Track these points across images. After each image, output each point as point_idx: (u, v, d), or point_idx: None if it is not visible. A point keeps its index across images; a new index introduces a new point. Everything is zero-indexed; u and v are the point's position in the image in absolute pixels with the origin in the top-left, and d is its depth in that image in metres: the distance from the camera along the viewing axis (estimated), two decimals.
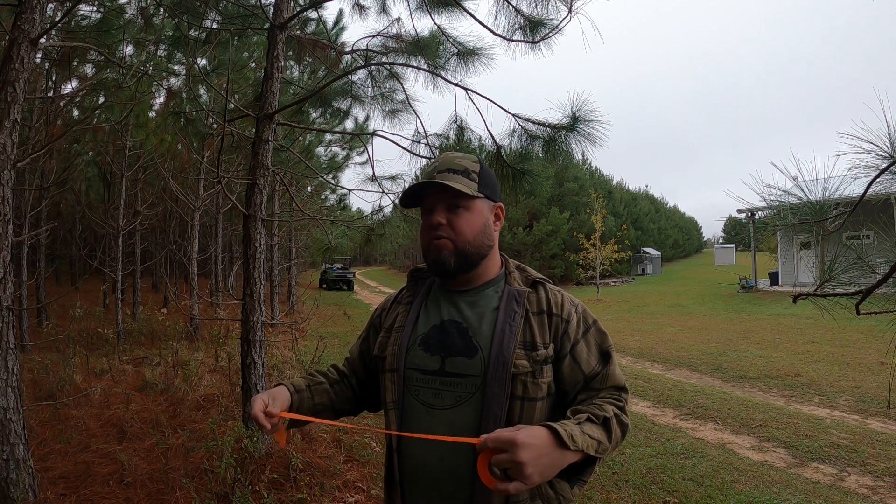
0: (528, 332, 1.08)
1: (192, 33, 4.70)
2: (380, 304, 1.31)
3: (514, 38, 3.52)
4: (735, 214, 52.30)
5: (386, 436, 1.13)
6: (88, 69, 5.91)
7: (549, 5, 3.34)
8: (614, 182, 36.12)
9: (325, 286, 25.48)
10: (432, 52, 4.12)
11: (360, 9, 4.61)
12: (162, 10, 4.87)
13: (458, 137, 4.07)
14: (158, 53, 5.54)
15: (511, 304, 1.11)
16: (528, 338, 1.08)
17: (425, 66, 4.07)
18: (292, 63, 5.66)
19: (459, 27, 4.81)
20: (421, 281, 1.25)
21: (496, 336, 1.06)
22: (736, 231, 71.86)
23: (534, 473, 0.84)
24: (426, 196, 1.14)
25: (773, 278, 17.42)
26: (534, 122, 3.43)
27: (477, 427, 1.03)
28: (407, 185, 4.96)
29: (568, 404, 1.11)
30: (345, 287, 25.29)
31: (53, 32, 4.36)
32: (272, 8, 3.86)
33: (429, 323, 1.14)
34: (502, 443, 0.85)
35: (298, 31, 4.84)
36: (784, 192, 1.70)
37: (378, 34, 4.35)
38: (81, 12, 4.92)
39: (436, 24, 4.07)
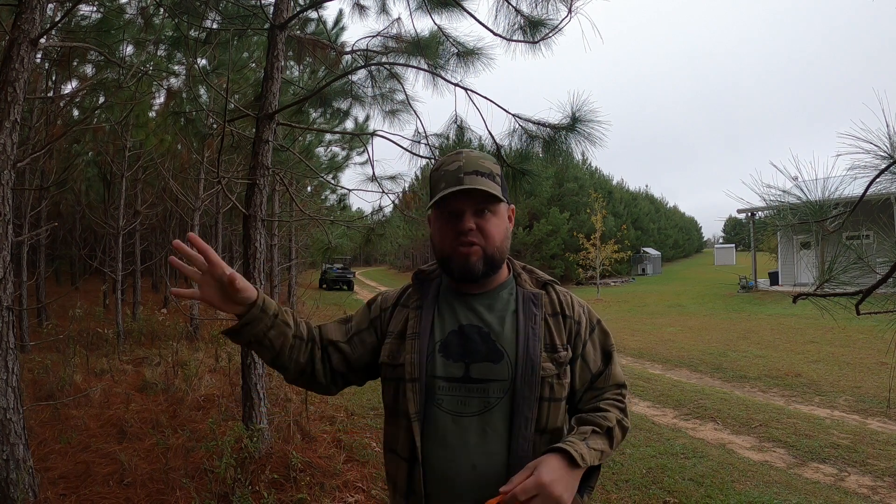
0: (547, 334, 1.10)
1: (192, 33, 4.70)
2: (376, 304, 1.23)
3: (514, 38, 3.52)
4: (735, 214, 52.29)
5: (404, 447, 1.08)
6: (88, 69, 5.91)
7: (549, 5, 3.34)
8: (614, 182, 36.16)
9: (325, 286, 25.47)
10: (432, 52, 4.12)
11: (360, 9, 4.61)
12: (162, 10, 4.87)
13: (458, 137, 4.07)
14: (158, 53, 5.54)
15: (529, 307, 1.11)
16: (548, 340, 1.09)
17: (425, 66, 4.08)
18: (292, 63, 5.66)
19: (459, 27, 4.81)
20: (427, 283, 1.20)
21: (521, 340, 1.06)
22: (736, 231, 71.85)
23: (568, 500, 0.93)
24: (451, 198, 1.08)
25: (773, 278, 17.42)
26: (534, 122, 3.44)
27: (508, 431, 1.03)
28: (407, 186, 5.00)
29: (575, 404, 1.15)
30: (345, 287, 25.28)
31: (53, 32, 4.36)
32: (272, 8, 3.86)
33: (445, 328, 1.10)
34: (530, 490, 0.91)
35: (298, 31, 4.84)
36: (784, 192, 1.70)
37: (378, 34, 4.35)
38: (81, 12, 4.92)
39: (436, 24, 4.08)
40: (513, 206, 1.20)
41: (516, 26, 3.52)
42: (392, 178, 4.81)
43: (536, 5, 3.40)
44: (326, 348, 1.19)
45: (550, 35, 3.40)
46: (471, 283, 1.13)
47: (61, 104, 7.07)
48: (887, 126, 1.33)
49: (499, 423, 1.03)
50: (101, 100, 6.65)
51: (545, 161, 3.51)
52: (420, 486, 1.04)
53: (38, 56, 5.05)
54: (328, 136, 10.04)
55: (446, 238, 1.10)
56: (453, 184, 1.06)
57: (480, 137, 3.82)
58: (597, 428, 1.05)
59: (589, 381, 1.14)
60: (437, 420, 1.05)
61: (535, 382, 1.04)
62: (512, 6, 3.48)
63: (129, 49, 5.45)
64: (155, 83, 5.81)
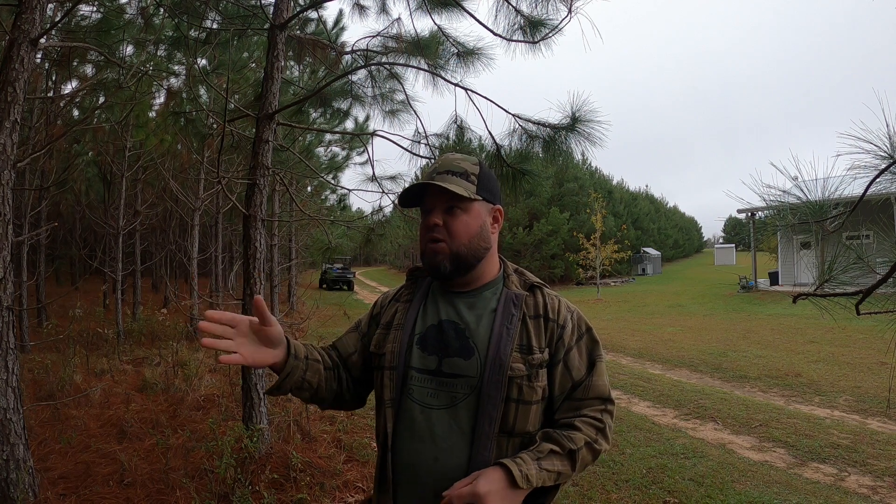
0: (524, 335, 1.09)
1: (192, 33, 4.70)
2: (378, 303, 1.29)
3: (514, 38, 3.52)
4: (735, 214, 52.24)
5: (380, 433, 1.13)
6: (88, 69, 5.92)
7: (549, 5, 3.34)
8: (614, 182, 36.11)
9: (325, 286, 25.46)
10: (432, 52, 4.12)
11: (360, 9, 4.61)
12: (162, 10, 4.87)
13: (458, 137, 4.07)
14: (158, 53, 5.54)
15: (509, 307, 1.11)
16: (524, 341, 1.09)
17: (425, 66, 4.07)
18: (292, 63, 5.66)
19: (459, 27, 4.82)
20: (420, 280, 1.25)
21: (493, 338, 1.07)
22: (736, 231, 71.83)
23: None
24: (426, 196, 1.15)
25: (773, 278, 17.41)
26: (534, 123, 3.43)
27: (472, 428, 1.04)
28: (407, 186, 5.01)
29: (553, 413, 1.12)
30: (345, 287, 25.27)
31: (53, 32, 4.36)
32: (272, 8, 3.86)
33: (426, 322, 1.14)
34: (465, 498, 0.93)
35: (298, 31, 4.84)
36: (784, 192, 1.70)
37: (378, 34, 4.34)
38: (81, 12, 4.92)
39: (436, 24, 4.07)
40: (499, 206, 1.20)
41: (516, 26, 3.52)
42: (392, 178, 4.80)
43: (536, 5, 3.40)
44: (346, 365, 1.24)
45: (550, 35, 3.40)
46: (449, 281, 1.15)
47: (61, 104, 7.08)
48: (887, 126, 1.33)
49: (464, 419, 1.05)
50: (101, 100, 6.66)
51: (545, 161, 3.50)
52: (389, 473, 1.08)
53: (38, 56, 5.05)
54: (328, 136, 10.05)
55: (420, 234, 1.16)
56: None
57: (480, 137, 3.82)
58: (557, 448, 1.03)
59: (569, 390, 1.10)
60: (407, 409, 1.09)
61: (502, 382, 1.04)
62: (512, 6, 3.48)
63: (129, 49, 5.45)
64: (155, 83, 5.82)
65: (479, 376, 1.05)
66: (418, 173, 4.52)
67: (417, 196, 1.16)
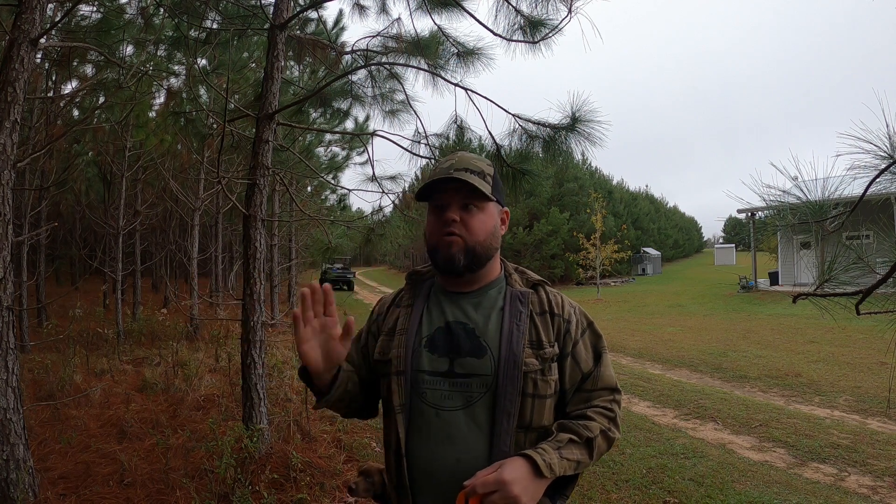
0: (533, 331, 1.11)
1: (192, 33, 4.70)
2: (375, 309, 1.28)
3: (514, 38, 3.52)
4: (735, 214, 52.20)
5: (391, 440, 1.11)
6: (88, 69, 5.92)
7: (549, 5, 3.34)
8: (614, 182, 36.11)
9: None
10: (432, 53, 4.12)
11: (360, 9, 4.61)
12: (162, 10, 4.87)
13: (458, 137, 4.07)
14: (158, 53, 5.54)
15: (516, 305, 1.12)
16: (534, 337, 1.10)
17: (425, 66, 4.07)
18: (292, 63, 5.66)
19: (459, 27, 4.81)
20: (420, 283, 1.23)
21: (504, 335, 1.08)
22: (736, 231, 71.80)
23: (528, 502, 0.94)
24: (439, 192, 1.12)
25: (773, 278, 17.40)
26: (534, 123, 3.43)
27: (490, 426, 1.04)
28: (407, 186, 5.01)
29: (564, 405, 1.14)
30: (345, 287, 25.27)
31: (53, 32, 4.36)
32: (272, 8, 3.86)
33: (433, 325, 1.13)
34: (491, 485, 0.92)
35: (298, 31, 4.84)
36: (784, 192, 1.70)
37: (378, 34, 4.34)
38: (81, 12, 4.93)
39: (436, 24, 4.07)
40: (506, 209, 1.22)
41: (516, 26, 3.52)
42: (392, 178, 4.80)
43: (536, 5, 3.40)
44: (361, 380, 1.24)
45: (550, 35, 3.40)
46: (457, 278, 1.15)
47: (61, 104, 7.08)
48: (887, 126, 1.33)
49: (482, 417, 1.05)
50: (101, 100, 6.67)
51: (545, 161, 3.50)
52: (405, 479, 1.07)
53: (38, 56, 5.05)
54: (328, 136, 10.04)
55: (433, 229, 1.14)
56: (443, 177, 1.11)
57: (480, 137, 3.82)
58: (576, 437, 1.05)
59: (578, 382, 1.13)
60: (421, 413, 1.08)
61: (517, 377, 1.05)
62: (512, 6, 3.48)
63: (129, 49, 5.46)
64: (155, 83, 5.83)
65: (494, 374, 1.06)
66: (418, 173, 4.52)
67: (430, 191, 1.14)
